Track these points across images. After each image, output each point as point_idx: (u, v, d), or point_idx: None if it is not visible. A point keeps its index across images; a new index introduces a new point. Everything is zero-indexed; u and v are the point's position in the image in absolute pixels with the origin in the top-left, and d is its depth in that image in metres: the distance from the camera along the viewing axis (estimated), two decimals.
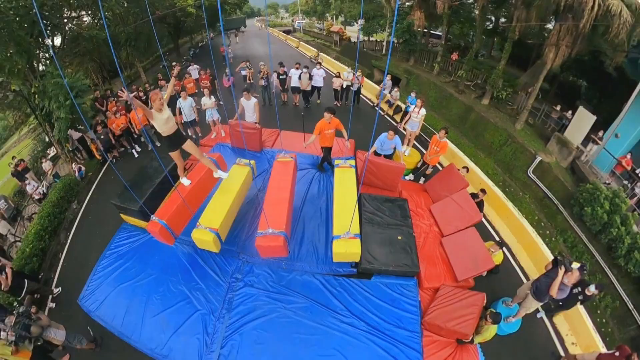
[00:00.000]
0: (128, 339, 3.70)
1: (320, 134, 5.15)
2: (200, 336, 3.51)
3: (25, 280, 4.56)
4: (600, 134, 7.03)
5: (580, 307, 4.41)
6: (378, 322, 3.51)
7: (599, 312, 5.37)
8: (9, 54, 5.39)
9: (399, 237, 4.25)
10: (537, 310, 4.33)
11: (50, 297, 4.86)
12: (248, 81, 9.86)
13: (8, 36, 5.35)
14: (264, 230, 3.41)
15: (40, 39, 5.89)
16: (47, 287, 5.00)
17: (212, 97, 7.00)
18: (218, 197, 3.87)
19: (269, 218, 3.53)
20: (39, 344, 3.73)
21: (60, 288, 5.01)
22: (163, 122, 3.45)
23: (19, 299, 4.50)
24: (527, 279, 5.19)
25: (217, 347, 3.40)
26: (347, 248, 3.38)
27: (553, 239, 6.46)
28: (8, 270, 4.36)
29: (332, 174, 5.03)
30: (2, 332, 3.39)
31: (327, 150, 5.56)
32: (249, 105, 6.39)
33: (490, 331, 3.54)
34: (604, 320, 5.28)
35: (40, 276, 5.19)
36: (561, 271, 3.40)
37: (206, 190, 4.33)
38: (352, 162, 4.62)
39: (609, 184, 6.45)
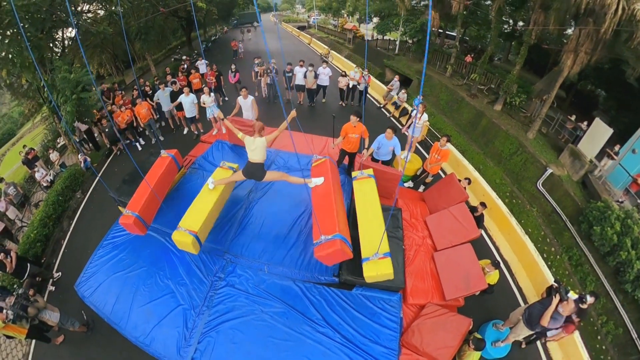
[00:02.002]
0: (116, 325, 3.82)
1: (345, 138, 5.14)
2: (180, 329, 3.60)
3: (28, 264, 4.83)
4: (617, 148, 6.55)
5: (575, 334, 4.18)
6: (354, 335, 3.43)
7: (599, 337, 5.09)
8: (19, 50, 5.62)
9: None
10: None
11: (51, 280, 5.14)
12: (259, 77, 9.67)
13: (19, 33, 5.54)
14: (318, 240, 3.30)
15: (51, 34, 6.11)
16: (48, 271, 5.28)
17: (212, 94, 7.06)
18: (198, 201, 3.93)
19: (320, 225, 3.42)
20: (35, 323, 3.99)
21: (60, 273, 5.29)
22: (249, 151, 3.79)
23: (21, 281, 4.79)
24: (525, 300, 4.96)
25: (195, 342, 3.48)
26: (377, 270, 3.16)
27: (558, 256, 6.15)
28: (13, 254, 4.62)
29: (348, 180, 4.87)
30: (3, 311, 3.63)
31: (349, 155, 5.33)
32: (246, 104, 6.42)
33: (473, 357, 3.40)
34: (603, 347, 4.99)
35: (42, 261, 5.48)
36: (555, 299, 3.22)
37: (169, 181, 4.73)
38: (371, 171, 4.27)
39: (622, 202, 6.03)
